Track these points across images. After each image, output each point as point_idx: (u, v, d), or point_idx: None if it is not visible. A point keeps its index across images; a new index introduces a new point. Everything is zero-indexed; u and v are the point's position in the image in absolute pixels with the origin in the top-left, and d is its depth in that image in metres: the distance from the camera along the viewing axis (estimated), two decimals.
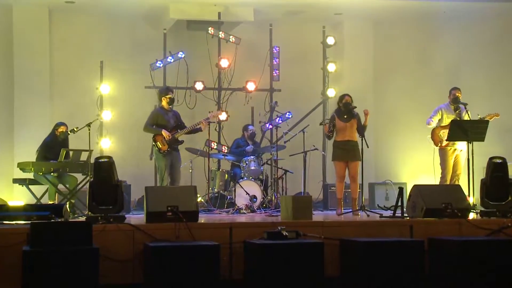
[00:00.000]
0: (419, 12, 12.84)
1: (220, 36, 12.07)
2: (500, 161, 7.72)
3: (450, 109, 9.62)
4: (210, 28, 12.00)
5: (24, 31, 12.15)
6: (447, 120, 9.50)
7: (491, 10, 12.63)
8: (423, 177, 11.25)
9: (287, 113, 11.71)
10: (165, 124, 9.56)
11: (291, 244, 6.28)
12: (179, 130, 9.60)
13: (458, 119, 9.36)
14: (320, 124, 9.45)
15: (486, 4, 12.36)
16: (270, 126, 11.82)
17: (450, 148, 9.49)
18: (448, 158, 9.48)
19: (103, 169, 6.84)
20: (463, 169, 9.33)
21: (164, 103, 9.67)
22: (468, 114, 9.32)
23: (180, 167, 9.68)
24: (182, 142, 9.70)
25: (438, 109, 9.68)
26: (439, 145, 9.54)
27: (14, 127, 12.04)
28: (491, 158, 7.78)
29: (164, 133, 9.42)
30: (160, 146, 9.44)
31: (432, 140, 9.63)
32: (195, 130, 9.83)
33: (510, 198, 7.65)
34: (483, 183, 7.73)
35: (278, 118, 11.59)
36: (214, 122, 10.98)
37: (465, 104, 9.35)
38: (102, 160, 6.91)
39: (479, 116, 9.21)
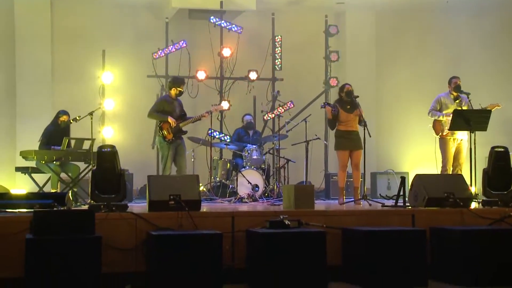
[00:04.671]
0: (422, 2, 12.82)
1: (223, 26, 12.04)
2: (502, 150, 7.71)
3: (450, 98, 9.59)
4: (212, 17, 11.98)
5: (26, 20, 12.14)
6: (446, 110, 9.48)
7: (495, 1, 12.59)
8: (425, 167, 11.25)
9: (288, 103, 11.74)
10: (171, 112, 9.47)
11: (293, 233, 6.27)
12: (182, 120, 9.56)
13: (459, 108, 9.33)
14: (321, 107, 9.30)
15: None
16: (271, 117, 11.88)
17: (450, 138, 9.47)
18: (449, 147, 9.47)
19: (106, 159, 6.83)
20: (465, 159, 9.32)
21: (173, 93, 9.55)
22: (470, 104, 9.30)
23: (185, 155, 9.64)
24: (185, 132, 9.65)
25: (438, 99, 9.63)
26: (440, 134, 9.52)
27: (16, 116, 12.07)
28: (493, 147, 7.78)
29: (171, 120, 9.33)
30: (166, 134, 9.36)
31: (434, 129, 9.61)
32: (197, 120, 9.87)
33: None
34: (485, 172, 7.72)
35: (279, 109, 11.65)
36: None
37: (468, 94, 9.32)
38: (105, 149, 6.87)
39: (480, 107, 9.18)
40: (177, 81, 9.62)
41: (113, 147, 6.89)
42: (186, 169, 9.52)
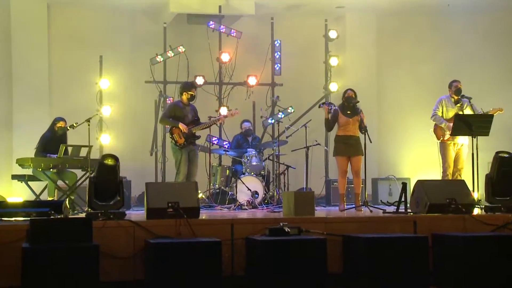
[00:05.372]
0: (423, 5, 12.78)
1: (221, 31, 11.99)
2: (507, 155, 7.63)
3: (451, 101, 9.52)
4: (211, 23, 11.92)
5: (22, 25, 12.08)
6: (447, 114, 9.42)
7: (496, 3, 12.57)
8: (427, 172, 11.19)
9: (288, 108, 11.68)
10: (182, 117, 9.43)
11: (293, 241, 6.22)
12: (195, 125, 9.50)
13: (461, 112, 9.26)
14: (319, 106, 9.25)
15: None
16: (270, 122, 11.79)
17: (451, 142, 9.41)
18: (449, 152, 9.40)
19: (108, 170, 6.74)
20: (465, 164, 9.26)
21: (184, 97, 9.51)
22: (471, 108, 9.24)
23: (197, 162, 9.55)
24: (199, 137, 9.61)
25: (440, 101, 9.57)
26: (441, 138, 9.46)
27: (13, 122, 11.99)
28: (497, 153, 7.70)
29: (181, 126, 9.30)
30: (177, 139, 9.33)
31: (435, 133, 9.55)
32: (210, 126, 9.84)
33: None
34: (489, 178, 7.65)
35: (282, 113, 11.55)
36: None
37: (469, 98, 9.26)
38: (109, 163, 6.74)
39: (482, 111, 9.12)
40: (187, 85, 9.64)
41: (116, 159, 6.77)
42: (195, 176, 9.44)
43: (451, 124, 9.05)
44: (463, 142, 9.38)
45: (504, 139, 11.20)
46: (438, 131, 9.51)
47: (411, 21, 13.23)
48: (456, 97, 9.47)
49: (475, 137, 8.65)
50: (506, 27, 13.08)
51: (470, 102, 9.26)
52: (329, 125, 9.13)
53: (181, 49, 11.77)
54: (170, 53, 11.80)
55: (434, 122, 9.50)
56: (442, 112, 9.49)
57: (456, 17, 12.85)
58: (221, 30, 12.00)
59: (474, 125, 8.66)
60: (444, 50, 13.19)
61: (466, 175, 9.10)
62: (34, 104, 11.89)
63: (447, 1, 12.45)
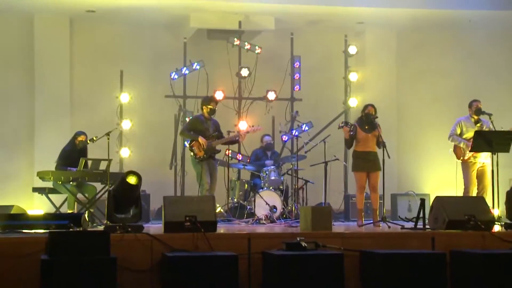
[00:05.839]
0: (443, 21, 12.70)
1: (247, 47, 12.00)
2: None
3: (470, 122, 9.43)
4: (234, 39, 11.95)
5: (45, 40, 12.21)
6: (467, 134, 9.34)
7: None
8: (447, 189, 11.07)
9: (306, 125, 11.61)
10: (203, 131, 9.52)
11: (310, 256, 6.19)
12: (217, 139, 9.55)
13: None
14: (339, 127, 9.21)
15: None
16: (287, 138, 11.76)
17: (471, 161, 9.30)
18: (471, 171, 9.28)
19: (130, 188, 6.77)
20: (490, 181, 9.13)
21: (205, 111, 9.63)
22: (493, 126, 9.14)
23: (217, 175, 9.61)
24: (219, 151, 9.67)
25: (458, 122, 9.49)
26: (462, 158, 9.36)
27: (34, 136, 12.10)
28: None
29: (201, 139, 9.38)
30: (196, 152, 9.40)
31: (455, 153, 9.46)
32: (232, 142, 9.90)
33: None
34: (510, 194, 7.56)
35: (296, 131, 11.49)
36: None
37: (490, 115, 9.17)
38: (131, 183, 6.74)
39: (502, 129, 9.03)
40: (206, 99, 9.75)
41: (140, 179, 6.78)
42: (215, 190, 9.48)
43: (470, 143, 8.98)
44: (485, 161, 9.24)
45: None
46: (458, 151, 9.42)
47: (431, 36, 13.17)
48: (476, 117, 9.38)
49: (495, 154, 8.57)
50: None
51: (490, 119, 9.16)
52: (349, 143, 9.10)
53: (201, 64, 11.80)
54: (189, 69, 11.84)
55: (452, 143, 9.43)
56: (461, 133, 9.41)
57: (477, 32, 12.76)
58: (246, 48, 12.02)
59: (494, 141, 8.59)
60: (464, 65, 13.10)
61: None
62: (56, 118, 11.98)
63: (467, 17, 12.38)
